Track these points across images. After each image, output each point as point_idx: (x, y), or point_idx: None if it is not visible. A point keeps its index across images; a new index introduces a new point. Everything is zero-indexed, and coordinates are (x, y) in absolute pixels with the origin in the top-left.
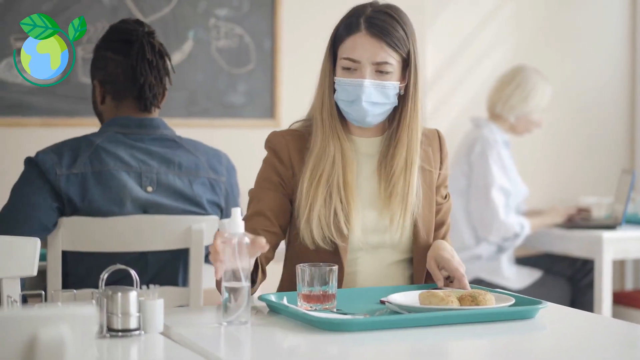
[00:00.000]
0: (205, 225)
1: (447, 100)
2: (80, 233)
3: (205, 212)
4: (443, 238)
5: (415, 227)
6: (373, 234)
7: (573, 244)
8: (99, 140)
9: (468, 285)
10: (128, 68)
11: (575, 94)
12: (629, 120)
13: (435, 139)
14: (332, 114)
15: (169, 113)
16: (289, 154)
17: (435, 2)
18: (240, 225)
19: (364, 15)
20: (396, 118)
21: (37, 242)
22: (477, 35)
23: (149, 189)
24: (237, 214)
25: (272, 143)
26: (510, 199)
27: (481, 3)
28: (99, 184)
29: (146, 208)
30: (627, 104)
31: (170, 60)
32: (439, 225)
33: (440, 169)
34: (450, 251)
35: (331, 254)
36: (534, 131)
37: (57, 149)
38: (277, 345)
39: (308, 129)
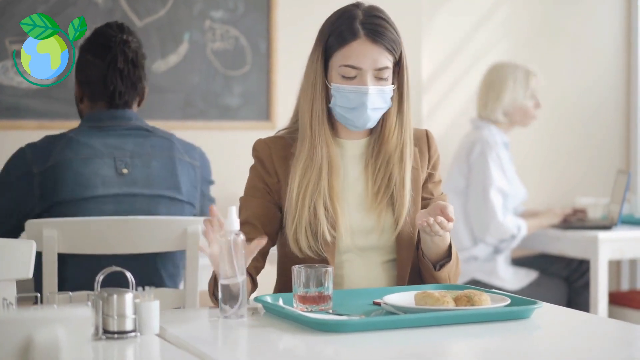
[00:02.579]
0: (201, 227)
1: (444, 101)
2: (75, 235)
3: (181, 196)
4: None
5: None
6: (361, 236)
7: (569, 244)
8: (72, 133)
9: (449, 208)
10: (102, 73)
11: (571, 94)
12: (624, 121)
13: (423, 139)
14: (321, 120)
15: (164, 115)
16: (272, 161)
17: (432, 3)
18: (236, 223)
19: (358, 21)
20: (385, 119)
21: (32, 244)
22: (473, 36)
23: (124, 170)
24: (233, 212)
25: (257, 151)
26: (508, 200)
27: (477, 4)
28: (70, 169)
29: (119, 192)
30: (623, 104)
31: (144, 69)
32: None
33: (428, 167)
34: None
35: (319, 259)
36: (530, 122)
37: (36, 145)
38: (273, 347)
39: (292, 135)
